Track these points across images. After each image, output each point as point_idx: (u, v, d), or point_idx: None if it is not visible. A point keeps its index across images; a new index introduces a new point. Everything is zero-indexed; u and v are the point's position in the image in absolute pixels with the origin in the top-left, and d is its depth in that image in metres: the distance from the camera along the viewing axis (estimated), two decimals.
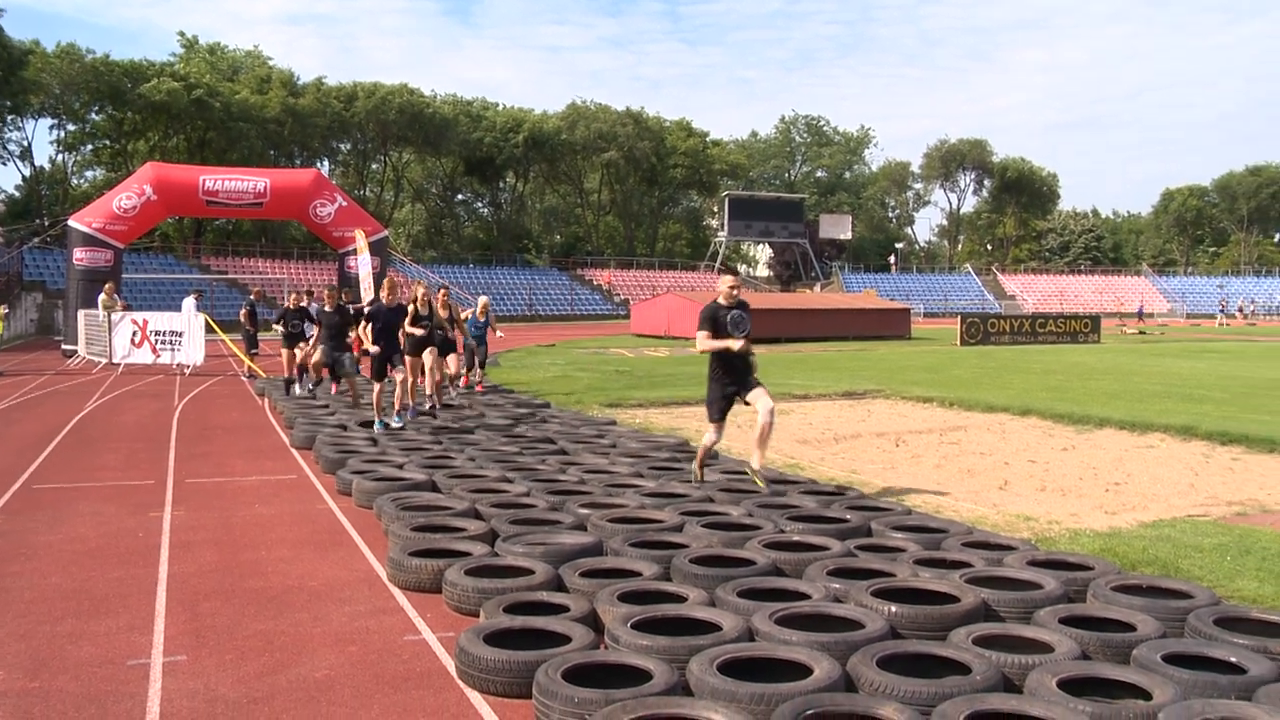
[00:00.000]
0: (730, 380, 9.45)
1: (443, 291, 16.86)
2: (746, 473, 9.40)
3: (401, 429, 13.20)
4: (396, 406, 13.82)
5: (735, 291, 9.52)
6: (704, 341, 9.36)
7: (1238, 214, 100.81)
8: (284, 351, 18.39)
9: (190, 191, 32.26)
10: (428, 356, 14.95)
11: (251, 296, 24.73)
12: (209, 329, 25.53)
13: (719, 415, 9.53)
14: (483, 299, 19.50)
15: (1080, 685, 4.70)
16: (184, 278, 52.43)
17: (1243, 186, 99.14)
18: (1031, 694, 4.61)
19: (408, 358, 14.36)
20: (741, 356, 9.36)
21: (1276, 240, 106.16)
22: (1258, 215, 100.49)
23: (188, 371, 24.15)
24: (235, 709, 4.80)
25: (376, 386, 13.77)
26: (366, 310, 15.04)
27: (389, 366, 13.87)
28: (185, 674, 5.23)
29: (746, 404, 9.44)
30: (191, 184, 32.41)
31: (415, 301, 14.62)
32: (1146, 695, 4.58)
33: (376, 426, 13.05)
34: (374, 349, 13.68)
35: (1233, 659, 4.97)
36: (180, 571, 7.17)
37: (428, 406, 15.08)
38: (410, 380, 14.30)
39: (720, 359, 9.36)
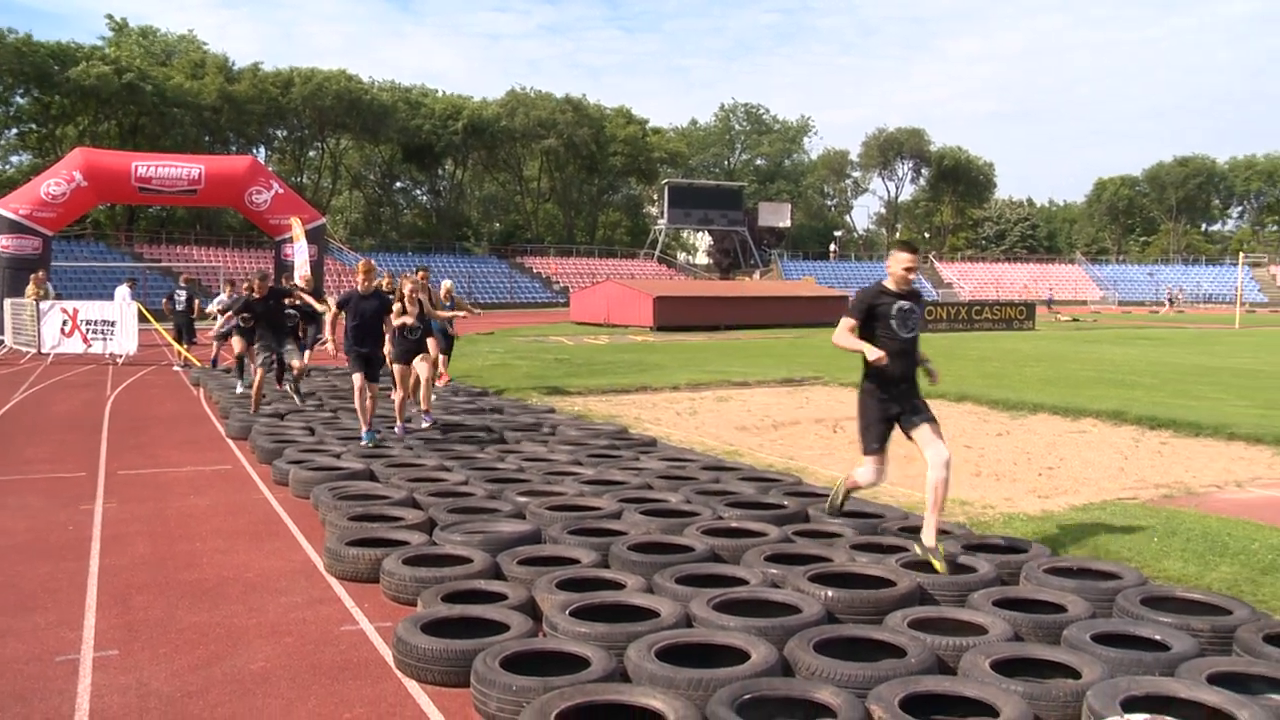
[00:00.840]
0: (890, 397, 6.86)
1: (421, 273, 14.54)
2: (916, 550, 6.58)
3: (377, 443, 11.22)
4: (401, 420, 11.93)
5: (911, 276, 6.93)
6: (842, 334, 6.82)
7: (1166, 204, 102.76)
8: (238, 343, 16.16)
9: (122, 178, 31.66)
10: (421, 366, 12.29)
11: (182, 282, 24.30)
12: (142, 318, 25.11)
13: (877, 444, 6.90)
14: (446, 283, 17.60)
15: (1013, 666, 4.79)
16: (116, 266, 51.39)
17: (1171, 177, 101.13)
18: (965, 675, 4.68)
19: (396, 366, 12.08)
20: (904, 367, 6.86)
21: (1204, 230, 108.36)
22: (1185, 205, 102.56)
23: (120, 361, 23.73)
24: (168, 703, 4.74)
25: (358, 382, 11.38)
26: (337, 298, 13.06)
27: (363, 370, 11.42)
28: (116, 669, 5.16)
29: (910, 439, 6.91)
30: (123, 170, 31.80)
31: (404, 299, 12.12)
32: (1076, 674, 4.68)
33: (364, 439, 11.08)
34: (332, 349, 11.88)
35: (1158, 637, 5.10)
36: (112, 565, 7.06)
37: (425, 425, 12.31)
38: (401, 395, 12.04)
39: (875, 367, 6.73)
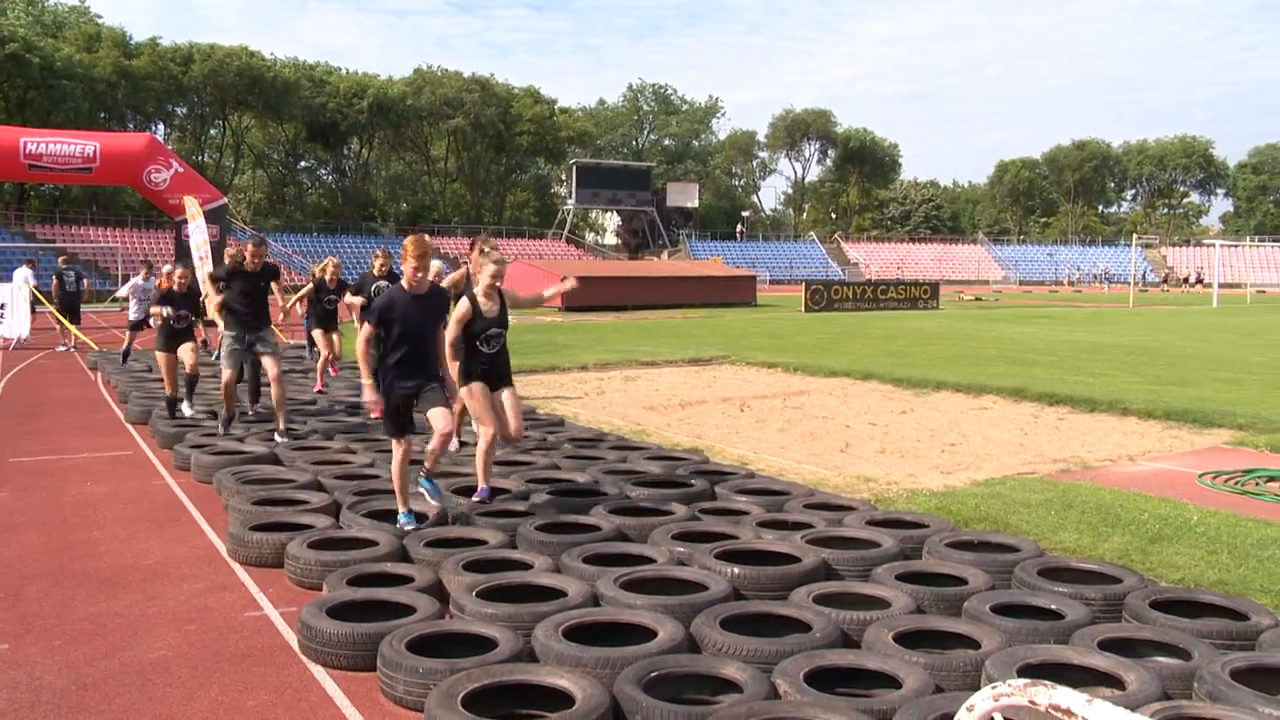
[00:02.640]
0: None
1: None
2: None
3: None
4: (428, 465, 7.38)
5: None
6: None
7: (1065, 185, 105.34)
8: (162, 356, 11.97)
9: (10, 154, 30.62)
10: (507, 399, 7.65)
11: (61, 263, 23.51)
12: (37, 301, 24.33)
13: None
14: (435, 263, 14.07)
15: (915, 638, 4.89)
16: (7, 247, 49.81)
17: (1069, 159, 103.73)
18: (869, 648, 4.76)
19: (469, 389, 7.54)
20: None
21: (1100, 211, 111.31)
22: (1083, 187, 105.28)
23: (12, 345, 23.00)
24: (62, 697, 4.62)
25: (399, 451, 7.01)
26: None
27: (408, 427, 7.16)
28: (6, 664, 5.01)
29: None
30: (11, 146, 30.77)
31: (477, 283, 7.65)
32: (976, 644, 4.78)
33: (401, 519, 6.93)
34: (372, 399, 7.09)
35: (1053, 606, 5.24)
36: (3, 556, 6.84)
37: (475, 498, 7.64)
38: (488, 436, 7.55)
39: None
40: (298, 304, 15.54)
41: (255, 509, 7.29)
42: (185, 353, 11.98)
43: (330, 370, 14.82)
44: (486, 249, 7.71)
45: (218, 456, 9.20)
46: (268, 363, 10.80)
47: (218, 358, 13.10)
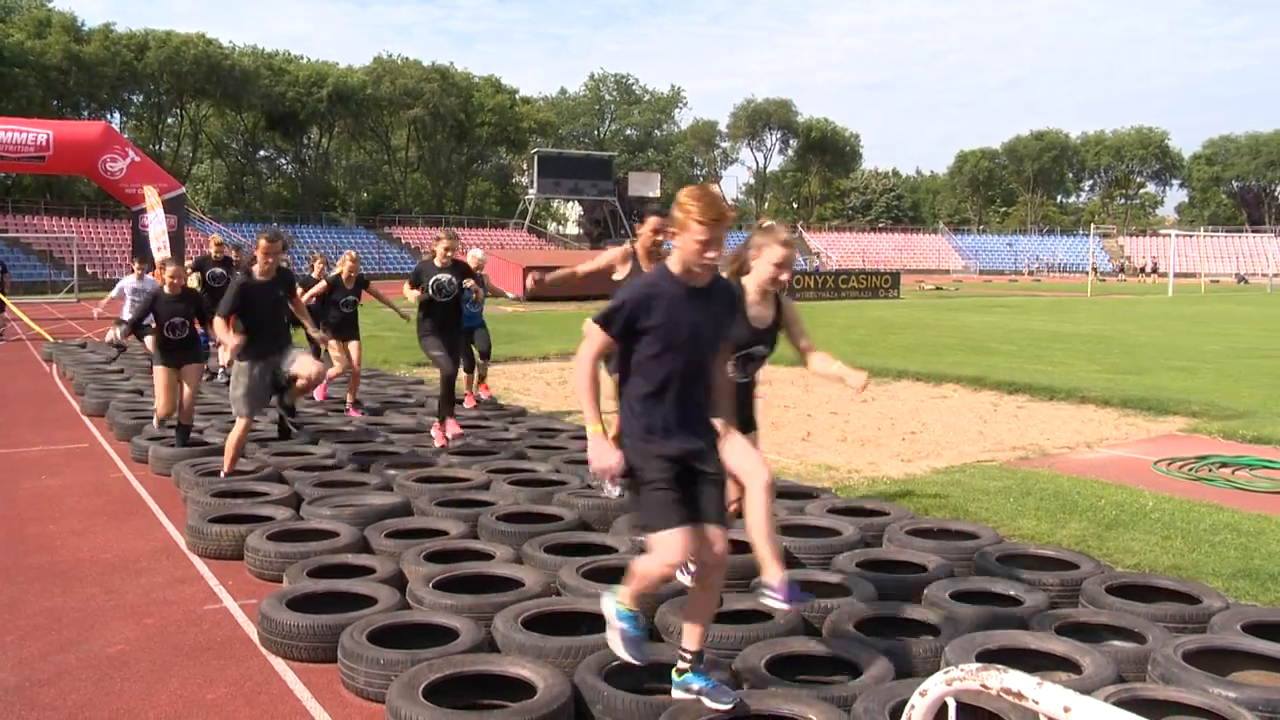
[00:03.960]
0: None
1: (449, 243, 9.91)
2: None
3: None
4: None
5: None
6: None
7: (1024, 176, 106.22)
8: (161, 371, 9.63)
9: None
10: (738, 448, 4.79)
11: None
12: None
13: None
14: (475, 253, 12.92)
15: (876, 625, 4.92)
16: None
17: (1028, 150, 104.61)
18: (830, 635, 4.80)
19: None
20: None
21: (1059, 202, 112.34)
22: (1042, 178, 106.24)
23: None
24: (15, 694, 4.55)
25: (676, 548, 3.83)
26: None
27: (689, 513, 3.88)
28: None
29: None
30: None
31: (748, 271, 5.07)
32: (936, 630, 4.82)
33: (714, 696, 3.92)
34: (610, 459, 4.05)
35: (1011, 592, 5.30)
36: None
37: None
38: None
39: None
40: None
41: (214, 501, 7.23)
42: (187, 381, 9.60)
43: (317, 393, 12.16)
44: (765, 223, 5.14)
45: (176, 449, 9.11)
46: (303, 370, 8.69)
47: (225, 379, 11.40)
